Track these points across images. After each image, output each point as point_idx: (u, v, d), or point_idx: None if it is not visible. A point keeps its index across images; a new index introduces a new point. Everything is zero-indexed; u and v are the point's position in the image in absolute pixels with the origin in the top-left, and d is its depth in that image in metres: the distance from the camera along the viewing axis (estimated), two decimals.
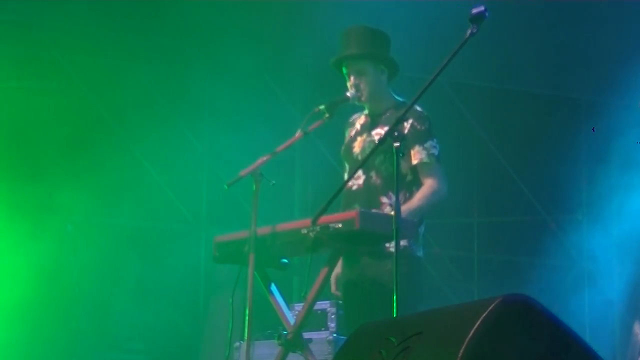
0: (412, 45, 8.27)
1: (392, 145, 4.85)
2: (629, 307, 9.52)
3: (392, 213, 4.94)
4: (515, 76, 10.27)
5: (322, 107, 5.76)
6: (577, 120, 10.80)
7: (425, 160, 5.74)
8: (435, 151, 5.77)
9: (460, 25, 4.70)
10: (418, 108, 5.75)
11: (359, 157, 5.80)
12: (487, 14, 4.53)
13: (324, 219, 5.24)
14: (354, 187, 5.82)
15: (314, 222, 5.28)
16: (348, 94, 5.87)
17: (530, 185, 10.70)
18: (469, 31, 4.56)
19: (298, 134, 5.72)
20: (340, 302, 6.41)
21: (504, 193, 10.68)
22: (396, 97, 5.95)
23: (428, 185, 5.73)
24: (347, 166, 6.05)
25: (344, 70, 5.94)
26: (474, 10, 4.54)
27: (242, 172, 5.60)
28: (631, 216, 10.16)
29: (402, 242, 5.60)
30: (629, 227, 10.16)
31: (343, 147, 6.05)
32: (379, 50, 5.88)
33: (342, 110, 5.93)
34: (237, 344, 6.84)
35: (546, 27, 9.74)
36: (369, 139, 5.85)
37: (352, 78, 5.88)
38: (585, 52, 9.91)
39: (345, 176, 5.93)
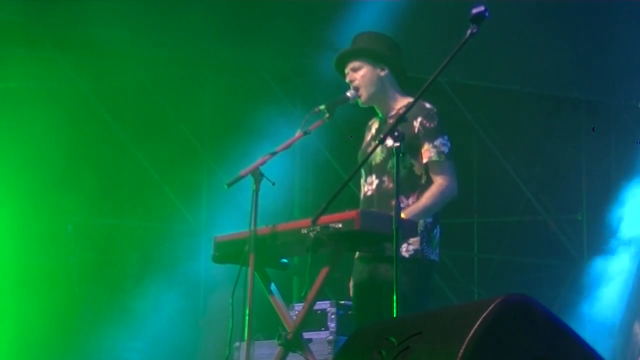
0: (412, 45, 8.26)
1: (393, 147, 4.84)
2: (629, 307, 9.52)
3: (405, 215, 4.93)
4: (515, 76, 10.27)
5: (322, 107, 5.74)
6: (577, 120, 10.81)
7: (435, 158, 5.70)
8: (445, 149, 5.72)
9: (460, 25, 4.70)
10: (427, 105, 5.71)
11: (373, 163, 5.78)
12: (487, 14, 4.53)
13: (324, 219, 5.23)
14: (369, 193, 5.80)
15: (314, 222, 5.27)
16: (348, 93, 5.85)
17: (530, 185, 10.70)
18: (469, 31, 4.55)
19: (298, 134, 5.71)
20: (342, 302, 6.41)
21: (504, 193, 10.68)
22: (407, 96, 5.89)
23: (437, 184, 5.70)
24: (362, 172, 6.00)
25: (345, 71, 5.93)
26: (474, 11, 4.54)
27: (242, 172, 5.59)
28: (631, 216, 10.17)
29: (414, 246, 5.60)
30: (628, 227, 10.17)
31: (359, 153, 6.03)
32: (375, 48, 5.86)
33: (343, 110, 5.92)
34: (237, 344, 6.84)
35: (546, 27, 9.74)
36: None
37: (348, 75, 5.86)
38: (585, 52, 9.92)
39: (362, 182, 5.91)
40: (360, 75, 5.82)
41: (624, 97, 10.17)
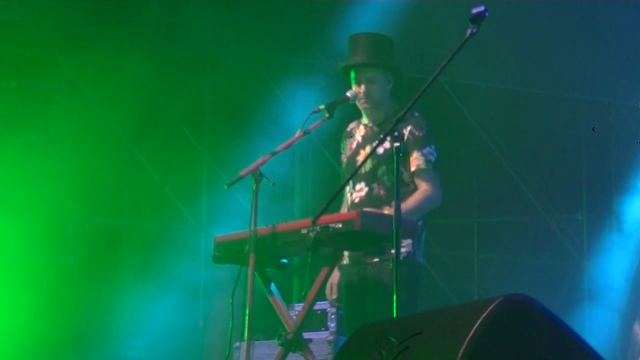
0: (412, 45, 8.27)
1: (393, 147, 4.84)
2: (629, 307, 9.52)
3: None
4: (515, 76, 10.27)
5: (322, 107, 5.76)
6: (577, 120, 10.80)
7: (423, 166, 5.75)
8: (432, 157, 5.78)
9: (460, 25, 4.70)
10: (416, 114, 5.77)
11: (364, 170, 5.79)
12: (487, 14, 4.53)
13: (324, 219, 5.24)
14: (357, 200, 5.82)
15: (314, 222, 5.28)
16: (348, 93, 5.87)
17: (530, 185, 10.70)
18: (469, 31, 4.55)
19: (298, 134, 5.72)
20: (336, 305, 6.41)
21: (504, 193, 10.67)
22: (395, 103, 5.94)
23: (422, 190, 5.74)
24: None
25: (352, 74, 5.94)
26: (474, 10, 4.54)
27: (242, 172, 5.60)
28: (631, 216, 10.17)
29: (406, 249, 5.62)
30: (628, 226, 10.17)
31: (346, 160, 6.03)
32: (390, 61, 5.90)
33: (342, 110, 5.93)
34: (237, 344, 6.84)
35: (546, 27, 9.74)
36: (371, 150, 5.84)
37: (362, 86, 5.88)
38: (585, 52, 9.91)
39: (347, 189, 5.92)
40: (374, 87, 5.85)
41: (624, 97, 10.16)
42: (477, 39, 4.56)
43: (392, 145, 4.95)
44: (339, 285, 5.97)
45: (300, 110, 8.82)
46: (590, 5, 9.46)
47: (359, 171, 5.79)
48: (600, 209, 10.61)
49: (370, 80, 5.87)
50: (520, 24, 9.48)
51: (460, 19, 4.75)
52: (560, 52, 9.91)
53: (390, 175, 5.67)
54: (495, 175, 10.60)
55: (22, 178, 8.60)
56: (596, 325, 9.99)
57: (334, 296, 5.97)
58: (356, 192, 5.82)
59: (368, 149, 5.87)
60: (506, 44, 9.51)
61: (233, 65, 9.51)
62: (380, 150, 5.59)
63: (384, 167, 5.70)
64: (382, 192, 5.75)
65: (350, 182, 5.90)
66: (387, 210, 5.67)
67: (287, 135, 5.79)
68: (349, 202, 5.90)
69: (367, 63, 5.88)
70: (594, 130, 10.67)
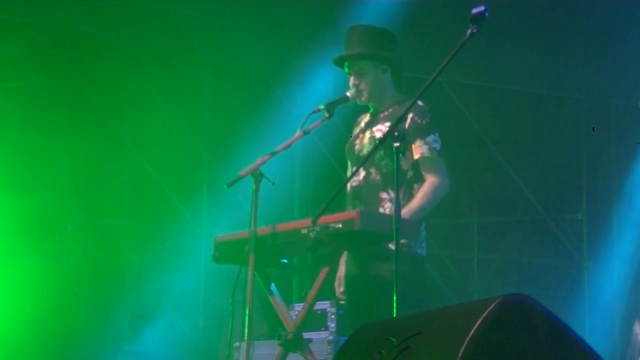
0: (412, 45, 8.26)
1: (393, 144, 4.83)
2: (629, 307, 9.53)
3: (393, 212, 4.93)
4: (515, 76, 10.27)
5: (322, 106, 5.75)
6: (577, 120, 10.80)
7: (427, 154, 5.72)
8: (437, 145, 5.74)
9: (460, 25, 4.70)
10: (419, 102, 5.73)
11: (360, 154, 5.81)
12: (487, 14, 4.53)
13: (324, 219, 5.24)
14: (355, 184, 5.83)
15: (314, 222, 5.28)
16: (348, 93, 5.87)
17: (530, 185, 10.70)
18: (468, 31, 4.56)
19: (298, 133, 5.72)
20: (342, 302, 6.42)
21: (504, 193, 10.68)
22: (399, 93, 5.93)
23: (430, 182, 5.71)
24: (349, 163, 6.06)
25: (346, 69, 5.94)
26: (474, 11, 4.54)
27: (242, 172, 5.59)
28: (631, 216, 10.18)
29: (401, 241, 5.60)
30: (628, 227, 10.18)
31: (346, 145, 6.05)
32: (379, 50, 5.86)
33: (343, 110, 5.93)
34: (237, 344, 6.85)
35: (546, 27, 9.74)
36: (370, 135, 5.85)
37: (352, 78, 5.88)
38: (585, 52, 9.91)
39: (348, 173, 5.94)
40: (364, 79, 5.84)
41: (624, 97, 10.17)
42: (478, 39, 4.56)
43: (392, 144, 4.94)
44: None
45: (300, 110, 8.83)
46: (590, 6, 9.46)
47: (358, 155, 5.81)
48: (600, 209, 10.61)
49: (359, 72, 5.86)
50: (520, 24, 9.48)
51: (461, 19, 4.75)
52: (560, 52, 9.92)
53: (388, 162, 5.67)
54: (495, 175, 10.60)
55: (22, 178, 8.59)
56: (596, 325, 9.99)
57: (341, 289, 5.96)
58: (355, 176, 5.82)
59: (368, 134, 5.88)
60: (506, 44, 9.51)
61: (233, 65, 9.52)
62: (379, 135, 5.59)
63: (381, 152, 5.69)
64: (378, 177, 5.76)
65: (350, 167, 5.94)
66: (384, 196, 5.69)
67: (287, 136, 5.78)
68: (348, 186, 5.89)
69: (353, 55, 5.87)
70: (594, 130, 10.67)
